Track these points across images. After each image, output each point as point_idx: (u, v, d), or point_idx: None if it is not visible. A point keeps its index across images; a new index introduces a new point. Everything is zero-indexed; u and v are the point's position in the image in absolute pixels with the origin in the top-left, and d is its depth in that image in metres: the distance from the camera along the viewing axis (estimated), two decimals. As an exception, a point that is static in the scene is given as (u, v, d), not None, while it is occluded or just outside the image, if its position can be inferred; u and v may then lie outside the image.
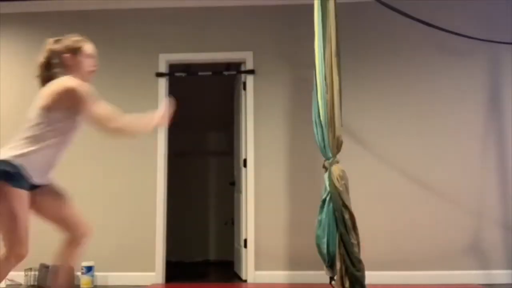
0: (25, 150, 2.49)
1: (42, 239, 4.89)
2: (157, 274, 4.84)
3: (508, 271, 4.66)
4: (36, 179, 2.54)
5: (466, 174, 4.84)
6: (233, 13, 5.23)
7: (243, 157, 5.10)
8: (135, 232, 4.92)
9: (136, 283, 4.76)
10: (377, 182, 4.84)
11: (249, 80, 5.12)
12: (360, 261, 3.50)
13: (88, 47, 2.79)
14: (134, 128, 2.70)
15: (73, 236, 2.71)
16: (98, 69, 5.45)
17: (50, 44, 2.74)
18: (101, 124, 2.58)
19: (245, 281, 4.88)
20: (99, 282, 4.79)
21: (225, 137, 6.66)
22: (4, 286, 4.73)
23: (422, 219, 4.78)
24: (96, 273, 4.76)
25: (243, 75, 5.20)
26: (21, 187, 2.44)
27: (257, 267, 4.84)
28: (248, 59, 5.14)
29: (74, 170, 5.02)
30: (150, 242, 4.89)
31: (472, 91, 4.97)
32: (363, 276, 3.49)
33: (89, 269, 4.68)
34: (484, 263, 4.70)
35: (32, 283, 4.69)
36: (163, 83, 5.13)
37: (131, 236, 4.92)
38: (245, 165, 5.05)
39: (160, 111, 2.79)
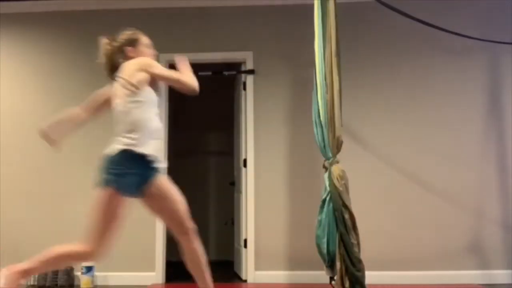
0: (138, 135, 2.55)
1: (41, 240, 4.91)
2: (157, 274, 4.84)
3: (508, 271, 4.66)
4: (158, 161, 2.61)
5: (466, 174, 4.84)
6: (233, 13, 5.23)
7: (243, 157, 5.10)
8: (135, 232, 4.91)
9: (136, 283, 4.76)
10: (377, 182, 4.84)
11: (249, 80, 5.12)
12: (360, 261, 3.51)
13: (145, 38, 2.90)
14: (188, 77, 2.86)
15: (181, 234, 2.69)
16: (99, 70, 5.46)
17: (107, 43, 2.83)
18: (173, 81, 2.77)
19: (245, 281, 4.88)
20: (99, 282, 4.79)
21: (225, 137, 6.66)
22: (3, 286, 4.72)
23: (422, 219, 4.77)
24: (96, 273, 4.76)
25: (243, 75, 5.20)
26: (125, 191, 2.54)
27: (257, 267, 4.84)
28: (248, 59, 5.14)
29: (72, 169, 5.02)
30: (150, 242, 4.89)
31: (472, 90, 4.97)
32: (363, 276, 3.50)
33: (89, 269, 4.68)
34: (484, 263, 4.70)
35: (32, 283, 4.69)
36: (163, 83, 5.11)
37: (131, 236, 4.90)
38: (245, 165, 5.05)
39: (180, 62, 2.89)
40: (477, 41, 4.69)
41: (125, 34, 2.85)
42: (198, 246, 2.68)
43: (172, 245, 5.32)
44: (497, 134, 4.90)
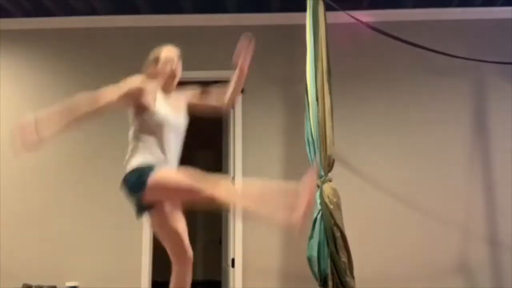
0: None
1: (25, 258, 4.82)
2: (143, 294, 4.77)
3: (495, 289, 4.68)
4: None
5: (453, 193, 4.87)
6: (222, 32, 5.25)
7: (231, 176, 5.08)
8: (120, 251, 4.85)
9: (121, 303, 4.67)
10: (367, 200, 4.84)
11: (238, 99, 5.12)
12: (350, 280, 3.48)
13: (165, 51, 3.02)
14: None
15: (180, 260, 2.68)
16: (88, 87, 5.44)
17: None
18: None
19: (233, 301, 4.83)
20: (83, 303, 4.70)
21: (213, 157, 6.63)
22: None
23: (411, 238, 4.79)
24: (81, 294, 4.67)
25: (231, 94, 5.20)
26: None
27: (245, 287, 4.78)
28: (236, 78, 5.14)
29: (59, 187, 4.96)
30: (136, 262, 4.81)
31: (460, 110, 5.04)
32: (354, 295, 3.48)
33: (73, 289, 4.59)
34: (471, 281, 4.71)
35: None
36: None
37: (116, 255, 4.84)
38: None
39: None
40: (464, 61, 4.73)
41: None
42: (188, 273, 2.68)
43: (158, 265, 5.26)
44: (483, 152, 4.96)
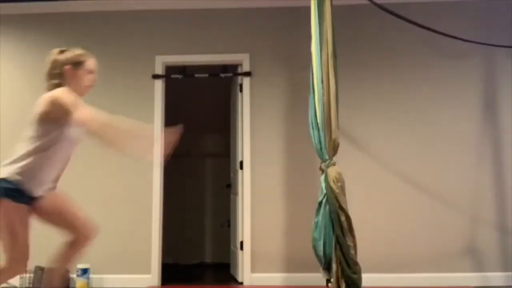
0: (22, 164, 2.53)
1: (37, 241, 4.88)
2: (153, 276, 4.83)
3: (502, 273, 4.68)
4: (36, 191, 2.60)
5: (462, 176, 4.85)
6: (229, 15, 5.23)
7: (240, 159, 5.10)
8: (131, 234, 4.91)
9: (131, 285, 4.74)
10: (373, 184, 4.85)
11: (246, 82, 5.12)
12: (356, 263, 3.50)
13: (90, 63, 2.80)
14: (125, 138, 2.65)
15: (76, 238, 2.78)
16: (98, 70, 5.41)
17: (54, 54, 2.76)
18: (87, 126, 2.52)
19: (242, 283, 4.87)
20: (94, 285, 4.77)
21: (221, 139, 6.65)
22: (-1, 288, 4.71)
23: (418, 221, 4.79)
24: (92, 276, 4.74)
25: (239, 77, 5.21)
26: (20, 202, 2.51)
27: (254, 270, 4.83)
28: (244, 61, 5.14)
29: (70, 172, 4.99)
30: (146, 244, 4.87)
31: (468, 93, 4.99)
32: (359, 279, 3.49)
33: (84, 271, 4.66)
34: (479, 266, 4.72)
35: (27, 286, 4.67)
36: (159, 85, 5.13)
37: (127, 238, 4.91)
38: (241, 167, 5.05)
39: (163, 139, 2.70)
40: (474, 44, 4.69)
41: (72, 52, 2.75)
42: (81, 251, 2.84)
43: (168, 247, 5.33)
44: (492, 136, 4.92)
